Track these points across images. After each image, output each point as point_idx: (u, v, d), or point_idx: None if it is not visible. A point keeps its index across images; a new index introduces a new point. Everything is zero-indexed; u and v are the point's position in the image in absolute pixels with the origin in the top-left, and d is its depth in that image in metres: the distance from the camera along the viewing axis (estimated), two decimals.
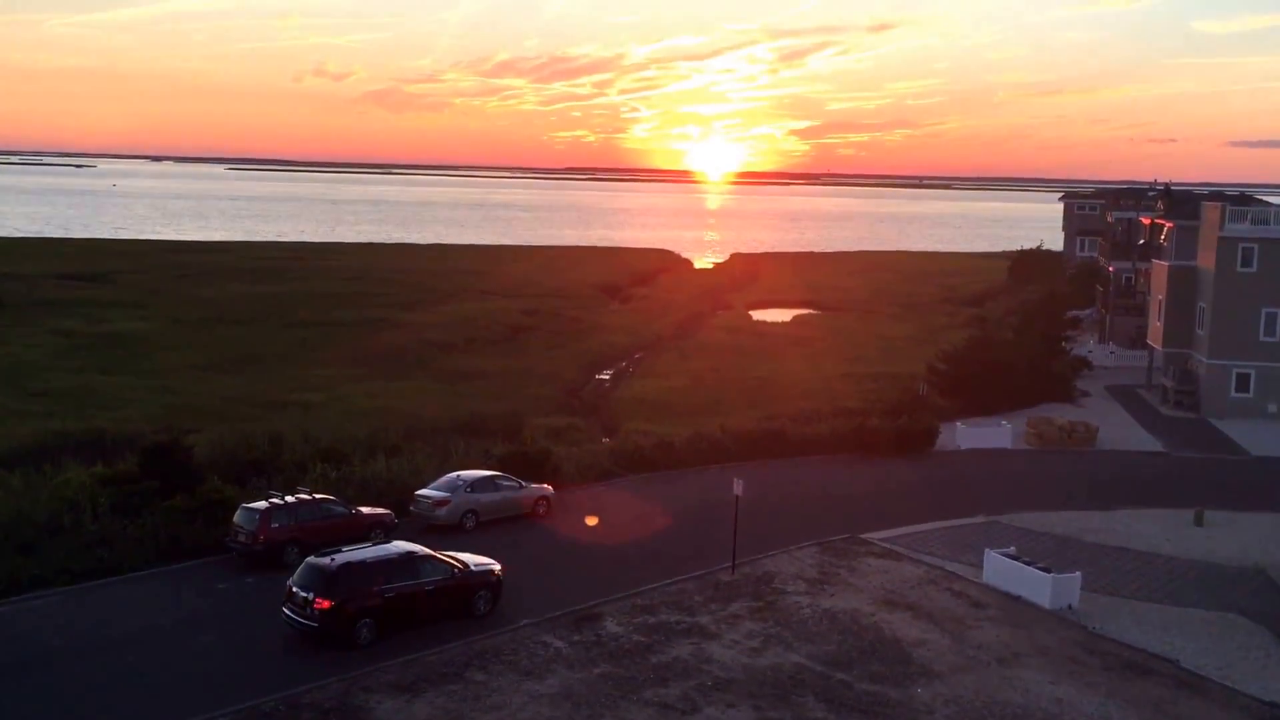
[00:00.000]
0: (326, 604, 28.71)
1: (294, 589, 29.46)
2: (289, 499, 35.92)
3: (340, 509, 36.74)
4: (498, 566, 32.53)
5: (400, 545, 31.58)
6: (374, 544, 31.85)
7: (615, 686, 27.00)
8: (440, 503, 39.07)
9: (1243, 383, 63.52)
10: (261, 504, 35.42)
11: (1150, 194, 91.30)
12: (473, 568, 31.85)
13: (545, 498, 41.40)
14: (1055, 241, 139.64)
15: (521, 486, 41.16)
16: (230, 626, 30.53)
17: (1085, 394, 68.31)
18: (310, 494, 36.92)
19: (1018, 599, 33.47)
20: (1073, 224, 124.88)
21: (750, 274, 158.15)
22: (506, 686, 26.83)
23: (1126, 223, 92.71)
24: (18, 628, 30.34)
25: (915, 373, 69.42)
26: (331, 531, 35.95)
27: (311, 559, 30.06)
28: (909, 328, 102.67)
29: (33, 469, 42.96)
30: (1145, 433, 59.32)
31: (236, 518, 35.48)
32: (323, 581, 28.99)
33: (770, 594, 33.33)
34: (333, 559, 29.67)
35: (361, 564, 29.71)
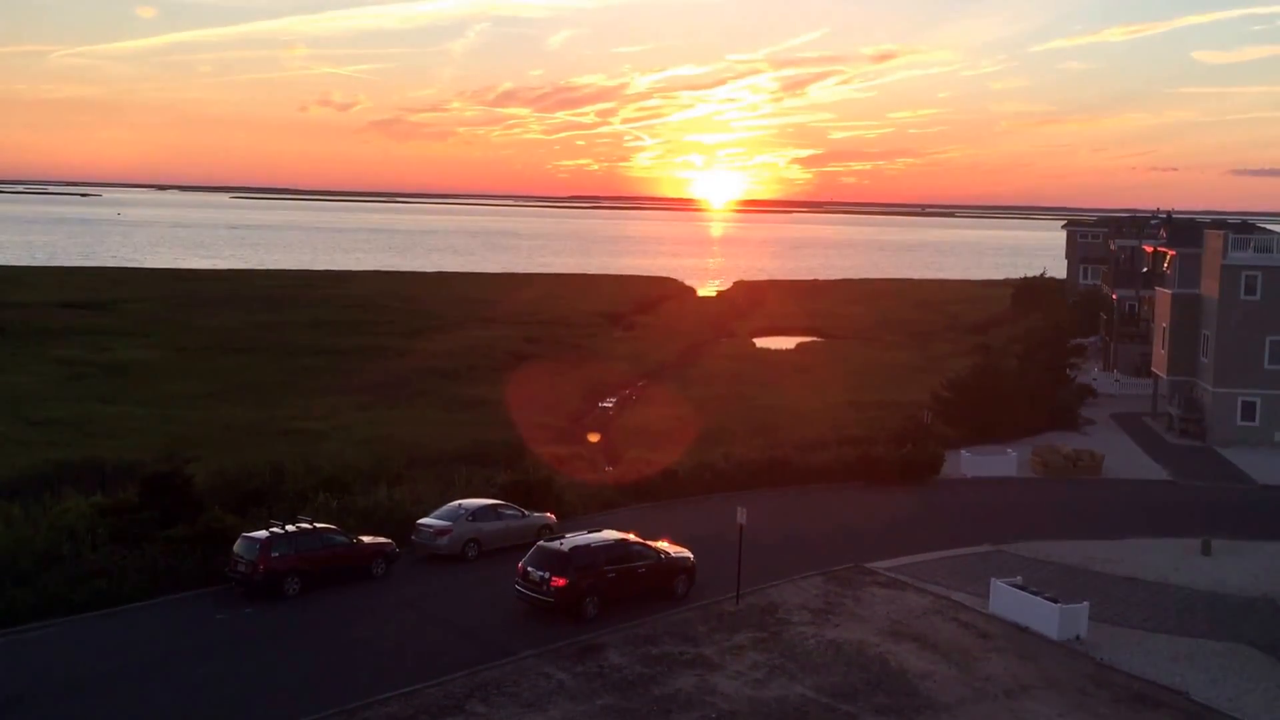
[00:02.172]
0: (562, 582, 32.37)
1: (528, 569, 33.02)
2: (290, 528, 35.65)
3: (341, 538, 36.49)
4: (691, 555, 35.75)
5: (612, 533, 35.34)
6: (589, 531, 35.27)
7: (618, 718, 26.69)
8: (442, 532, 38.80)
9: (1248, 411, 63.31)
10: (262, 533, 35.16)
11: (1153, 222, 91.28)
12: (672, 555, 35.39)
13: (548, 526, 41.08)
14: (1058, 269, 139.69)
15: (524, 515, 40.88)
16: (228, 658, 30.23)
17: (1090, 422, 68.08)
18: (312, 523, 36.65)
19: (1025, 629, 33.17)
20: (1076, 252, 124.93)
21: (753, 302, 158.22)
22: (508, 719, 26.52)
23: (1129, 250, 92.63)
24: (15, 659, 30.07)
25: (920, 401, 69.18)
26: (332, 561, 35.76)
27: (543, 543, 34.00)
28: (913, 355, 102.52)
29: (32, 498, 42.72)
30: (1151, 461, 59.05)
31: (236, 547, 35.21)
32: (558, 562, 32.68)
33: (775, 624, 33.03)
34: (562, 542, 33.43)
35: (588, 548, 33.42)
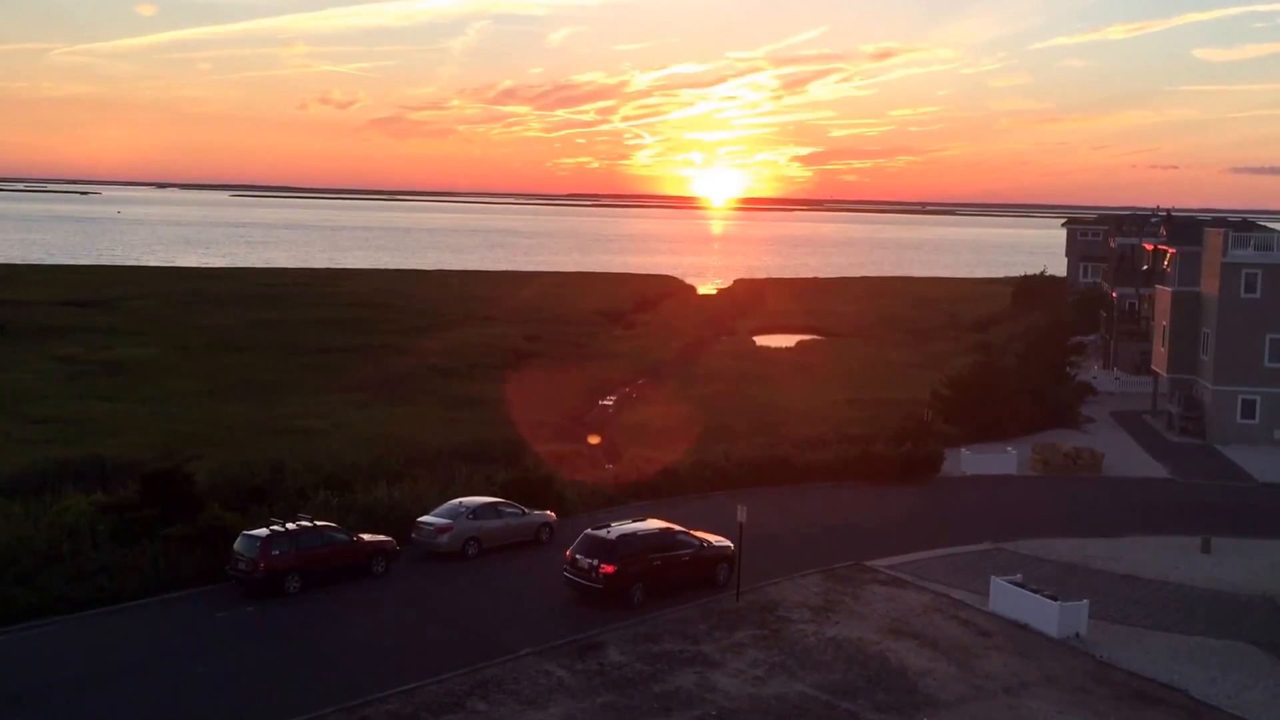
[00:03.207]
0: (610, 569, 33.10)
1: (576, 556, 33.79)
2: (290, 526, 35.64)
3: (342, 536, 36.49)
4: (731, 545, 36.19)
5: (657, 523, 36.09)
6: (633, 521, 36.01)
7: (618, 716, 26.71)
8: (442, 529, 38.80)
9: (1248, 409, 63.31)
10: (262, 531, 35.15)
11: (1153, 220, 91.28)
12: (714, 544, 36.18)
13: (548, 524, 41.13)
14: (1058, 267, 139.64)
15: (524, 513, 40.89)
16: (229, 656, 30.22)
17: (1090, 420, 68.08)
18: (312, 521, 36.64)
19: (1024, 627, 33.18)
20: (1076, 250, 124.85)
21: (754, 299, 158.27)
22: (508, 716, 26.55)
23: (1129, 248, 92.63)
24: (15, 658, 30.07)
25: (920, 399, 69.20)
26: (333, 559, 35.75)
27: (590, 531, 34.58)
28: (913, 353, 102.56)
29: (33, 496, 42.74)
30: (1151, 459, 59.06)
31: (237, 545, 35.19)
32: (605, 550, 33.45)
33: (775, 622, 33.05)
34: (609, 531, 34.22)
35: (634, 536, 34.29)
